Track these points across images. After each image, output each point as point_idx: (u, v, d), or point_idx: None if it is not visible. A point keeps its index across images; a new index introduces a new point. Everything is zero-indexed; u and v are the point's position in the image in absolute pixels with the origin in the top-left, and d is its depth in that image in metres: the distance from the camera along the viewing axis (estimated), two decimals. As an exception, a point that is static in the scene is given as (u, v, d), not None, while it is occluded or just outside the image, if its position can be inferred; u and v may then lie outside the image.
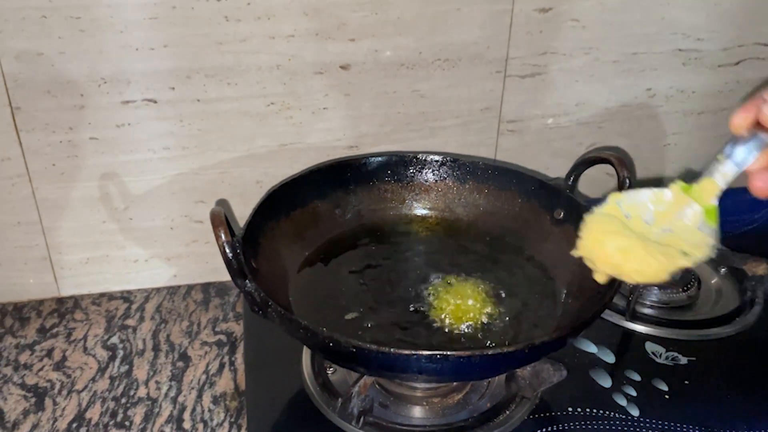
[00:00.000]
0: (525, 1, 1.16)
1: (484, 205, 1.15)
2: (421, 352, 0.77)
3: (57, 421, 1.00)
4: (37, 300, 1.22)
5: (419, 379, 0.93)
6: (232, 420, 1.00)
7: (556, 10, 1.18)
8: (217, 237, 0.85)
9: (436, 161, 1.16)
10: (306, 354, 1.04)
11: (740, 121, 0.76)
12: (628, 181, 0.98)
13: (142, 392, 1.05)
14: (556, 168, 1.31)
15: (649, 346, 1.07)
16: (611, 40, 1.23)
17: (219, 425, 0.99)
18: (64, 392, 1.05)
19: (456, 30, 1.16)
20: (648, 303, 1.15)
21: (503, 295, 1.02)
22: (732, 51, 1.30)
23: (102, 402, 1.03)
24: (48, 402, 1.03)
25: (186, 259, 1.24)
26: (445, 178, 1.16)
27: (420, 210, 1.17)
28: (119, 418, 1.00)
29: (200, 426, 0.99)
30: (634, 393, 0.99)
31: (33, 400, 1.03)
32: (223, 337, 1.15)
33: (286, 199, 1.06)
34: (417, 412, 0.96)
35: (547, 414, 0.95)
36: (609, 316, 1.12)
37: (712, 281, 1.22)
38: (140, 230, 1.20)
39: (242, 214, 1.19)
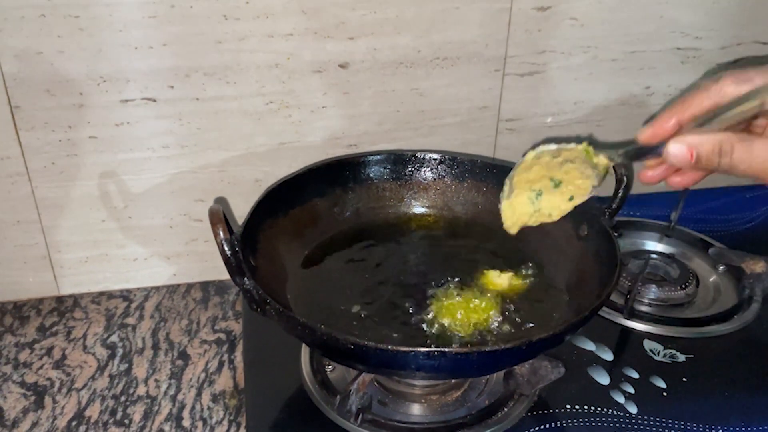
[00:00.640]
0: (523, 0, 1.16)
1: (483, 203, 1.15)
2: (419, 349, 0.77)
3: (56, 419, 1.00)
4: (37, 299, 1.22)
5: (417, 376, 0.93)
6: (231, 418, 1.00)
7: (555, 8, 1.18)
8: (216, 235, 0.85)
9: (435, 159, 1.16)
10: (305, 352, 1.04)
11: (646, 136, 0.85)
12: (625, 178, 0.98)
13: (141, 390, 1.05)
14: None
15: (647, 344, 1.07)
16: (610, 38, 1.23)
17: (218, 423, 0.99)
18: (64, 390, 1.05)
19: (455, 28, 1.16)
20: (646, 301, 1.15)
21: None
22: (730, 49, 1.30)
23: (101, 400, 1.03)
24: (48, 400, 1.03)
25: (185, 257, 1.24)
26: (444, 177, 1.16)
27: (418, 208, 1.17)
28: (119, 416, 1.01)
29: (199, 424, 0.99)
30: (632, 390, 0.99)
31: (33, 398, 1.03)
32: (222, 336, 1.15)
33: (285, 198, 1.07)
34: (415, 410, 0.96)
35: (545, 411, 0.96)
36: (607, 313, 1.12)
37: (711, 279, 1.22)
38: (140, 229, 1.20)
39: (241, 212, 1.18)
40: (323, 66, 1.14)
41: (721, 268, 1.22)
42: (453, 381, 0.98)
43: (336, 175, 1.13)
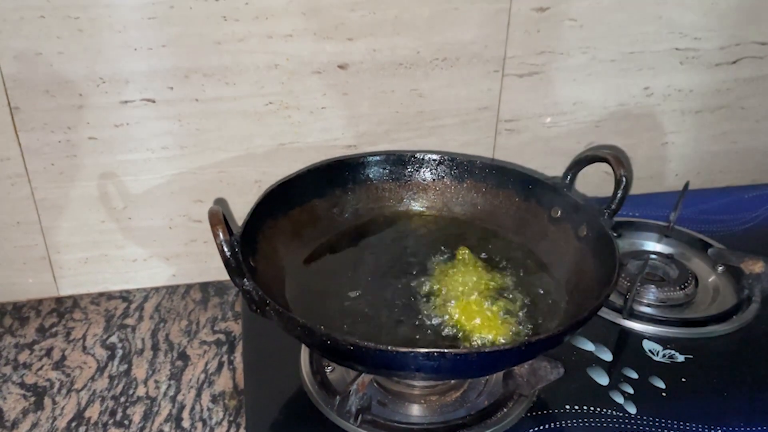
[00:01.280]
0: (522, 1, 1.17)
1: (482, 203, 1.15)
2: (418, 350, 0.77)
3: (56, 420, 1.00)
4: (36, 299, 1.22)
5: (417, 377, 0.93)
6: (231, 419, 1.00)
7: (554, 9, 1.19)
8: (215, 235, 0.85)
9: (434, 160, 1.16)
10: (304, 352, 1.04)
11: None
12: (624, 179, 0.98)
13: (141, 391, 1.05)
14: (553, 167, 1.31)
15: (647, 344, 1.07)
16: (609, 39, 1.24)
17: (218, 424, 1.00)
18: (64, 391, 1.05)
19: (454, 29, 1.16)
20: (645, 301, 1.15)
21: (502, 293, 1.02)
22: (729, 50, 1.30)
23: (101, 401, 1.03)
24: (47, 401, 1.03)
25: (185, 258, 1.25)
26: (443, 177, 1.16)
27: (418, 209, 1.17)
28: (118, 416, 1.01)
29: (199, 425, 0.99)
30: (631, 391, 0.99)
31: (32, 399, 1.03)
32: (221, 336, 1.15)
33: (284, 198, 1.07)
34: (415, 410, 0.96)
35: (545, 412, 0.96)
36: (606, 314, 1.12)
37: (710, 279, 1.22)
38: (139, 230, 1.20)
39: (241, 213, 1.19)
40: (322, 67, 1.14)
41: (720, 268, 1.22)
42: (453, 382, 0.98)
43: (335, 175, 1.13)
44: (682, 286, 1.15)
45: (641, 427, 0.93)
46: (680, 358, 1.05)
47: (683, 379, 1.01)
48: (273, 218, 1.04)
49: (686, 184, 1.29)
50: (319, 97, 1.17)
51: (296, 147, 1.19)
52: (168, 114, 1.12)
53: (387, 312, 0.99)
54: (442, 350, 0.77)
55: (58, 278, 1.22)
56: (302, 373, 1.01)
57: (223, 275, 0.90)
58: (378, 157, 1.16)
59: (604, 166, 1.04)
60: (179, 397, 1.04)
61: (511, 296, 1.00)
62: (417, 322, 0.97)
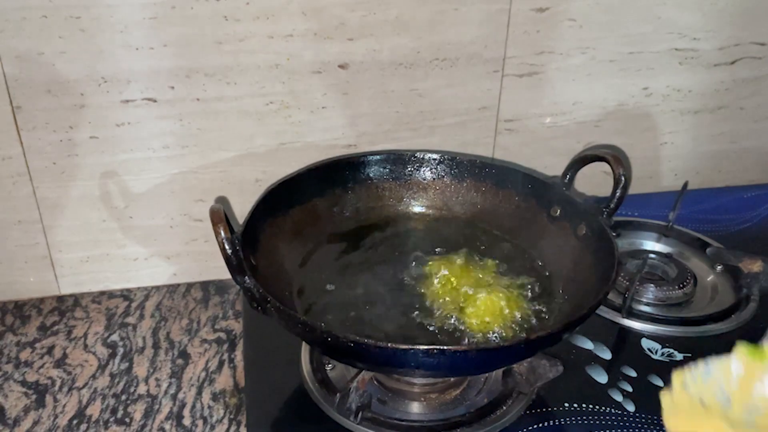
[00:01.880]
0: (522, 1, 1.17)
1: (482, 203, 1.15)
2: (417, 347, 0.78)
3: (57, 417, 1.01)
4: (38, 298, 1.23)
5: (417, 374, 0.93)
6: (232, 417, 1.00)
7: (553, 9, 1.19)
8: (217, 234, 0.85)
9: (434, 159, 1.16)
10: (305, 350, 1.04)
11: None
12: (623, 178, 0.99)
13: (142, 389, 1.05)
14: (553, 166, 1.31)
15: (645, 343, 1.08)
16: (608, 39, 1.24)
17: (218, 422, 1.00)
18: (65, 389, 1.05)
19: (454, 29, 1.16)
20: (644, 300, 1.15)
21: (501, 291, 1.02)
22: (728, 50, 1.31)
23: (102, 399, 1.04)
24: (49, 399, 1.04)
25: (186, 257, 1.25)
26: (443, 176, 1.17)
27: (418, 208, 1.17)
28: (119, 414, 1.01)
29: (200, 422, 1.00)
30: (629, 389, 0.99)
31: (34, 397, 1.04)
32: (222, 335, 1.15)
33: (285, 197, 1.07)
34: (415, 408, 0.97)
35: (544, 409, 0.96)
36: (605, 313, 1.12)
37: (708, 279, 1.22)
38: (140, 229, 1.21)
39: (242, 212, 1.20)
40: (323, 67, 1.15)
41: (719, 267, 1.22)
42: (452, 379, 0.99)
43: (336, 174, 1.14)
44: (681, 285, 1.16)
45: (640, 425, 0.94)
46: (679, 356, 1.05)
47: (681, 378, 1.01)
48: (273, 217, 1.04)
49: (685, 184, 1.29)
50: (319, 96, 1.17)
51: (297, 146, 1.20)
52: (169, 113, 1.13)
53: (388, 310, 1.00)
54: (441, 347, 0.77)
55: (59, 277, 1.22)
56: (303, 370, 1.02)
57: (224, 274, 0.91)
58: (378, 157, 1.16)
59: (603, 166, 1.04)
60: (180, 395, 1.04)
61: (510, 294, 1.01)
62: (418, 320, 0.98)
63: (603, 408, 0.96)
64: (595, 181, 1.28)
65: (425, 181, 1.17)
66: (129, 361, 1.10)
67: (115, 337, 1.15)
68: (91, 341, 1.14)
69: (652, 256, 1.23)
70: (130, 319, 1.19)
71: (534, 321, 0.98)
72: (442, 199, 1.17)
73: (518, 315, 0.98)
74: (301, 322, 0.82)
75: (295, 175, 1.09)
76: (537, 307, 1.00)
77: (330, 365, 1.02)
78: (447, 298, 1.01)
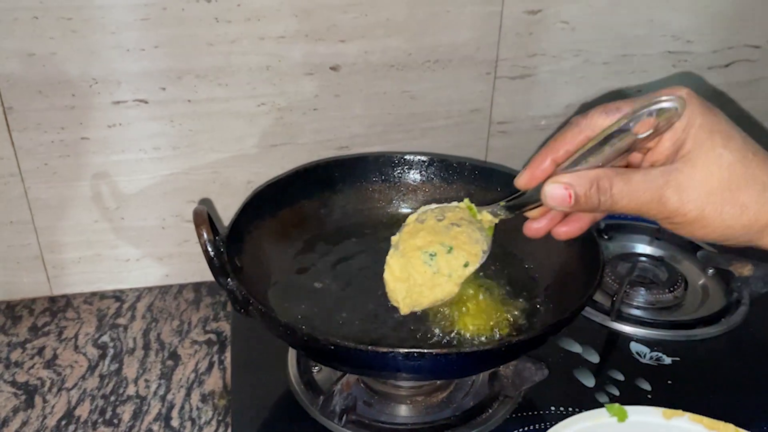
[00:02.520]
0: (514, 3, 1.17)
1: (471, 205, 1.15)
2: (398, 350, 0.77)
3: (46, 418, 1.01)
4: (30, 299, 1.23)
5: (399, 377, 0.93)
6: (220, 418, 1.01)
7: (546, 12, 1.19)
8: (199, 235, 0.86)
9: (423, 162, 1.16)
10: (292, 353, 1.04)
11: (523, 182, 0.81)
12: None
13: (131, 390, 1.06)
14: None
15: (634, 346, 1.07)
16: (601, 42, 1.24)
17: (207, 423, 1.00)
18: (54, 390, 1.05)
19: (446, 32, 1.16)
20: (635, 303, 1.15)
21: (487, 293, 1.02)
22: (722, 53, 1.30)
23: (91, 400, 1.04)
24: (38, 399, 1.04)
25: (178, 258, 1.25)
26: (433, 179, 1.16)
27: (407, 210, 1.16)
28: (108, 415, 1.01)
29: (188, 424, 1.00)
30: (617, 392, 0.99)
31: (23, 397, 1.04)
32: (213, 336, 1.16)
33: (273, 199, 1.07)
34: (401, 411, 0.97)
35: (530, 413, 0.96)
36: (594, 316, 1.12)
37: (700, 282, 1.22)
38: (132, 230, 1.21)
39: (233, 213, 1.19)
40: (315, 68, 1.15)
41: (710, 271, 1.22)
42: (438, 382, 0.98)
43: (324, 176, 1.14)
44: (671, 289, 1.16)
45: (626, 429, 0.94)
46: (667, 360, 1.05)
47: (669, 381, 1.01)
48: (261, 219, 1.04)
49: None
50: (311, 98, 1.17)
51: (289, 148, 1.20)
52: (160, 115, 1.13)
53: (375, 313, 0.99)
54: (421, 350, 0.77)
55: (51, 278, 1.22)
56: (289, 373, 1.02)
57: (216, 275, 0.91)
58: (367, 158, 1.16)
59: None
60: (169, 397, 1.04)
61: (496, 296, 1.00)
62: (405, 323, 0.97)
63: (589, 412, 0.96)
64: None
65: (414, 184, 1.17)
66: (119, 362, 1.11)
67: (105, 338, 1.15)
68: (81, 342, 1.14)
69: (643, 259, 1.22)
70: (122, 320, 1.19)
71: (520, 323, 0.97)
72: (431, 200, 1.16)
73: (505, 318, 0.97)
74: (282, 325, 0.82)
75: (283, 177, 1.09)
76: (523, 310, 0.99)
77: (317, 368, 1.02)
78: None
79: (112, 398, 1.04)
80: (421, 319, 0.97)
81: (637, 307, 1.15)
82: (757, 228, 0.73)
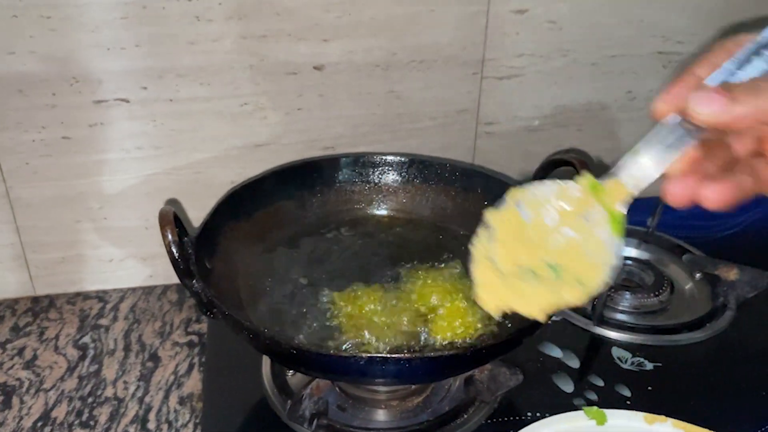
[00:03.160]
0: (500, 3, 1.16)
1: (451, 207, 1.14)
2: (361, 355, 0.77)
3: (23, 419, 1.00)
4: (13, 299, 1.23)
5: (365, 381, 0.92)
6: (197, 421, 1.00)
7: (532, 11, 1.18)
8: (164, 236, 0.85)
9: (403, 162, 1.15)
10: (266, 356, 1.03)
11: (664, 106, 0.66)
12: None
13: (109, 392, 1.05)
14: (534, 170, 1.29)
15: (616, 351, 1.06)
16: (589, 42, 1.22)
17: (183, 426, 0.99)
18: (32, 391, 1.05)
19: (430, 31, 1.15)
20: (619, 308, 1.13)
21: (468, 296, 1.01)
22: (713, 54, 1.28)
23: (69, 401, 1.03)
24: (15, 400, 1.03)
25: (161, 259, 1.22)
26: (413, 180, 1.16)
27: (386, 211, 1.16)
28: (84, 417, 1.01)
29: (164, 426, 0.99)
30: (595, 398, 0.98)
31: (0, 398, 1.04)
32: (194, 338, 1.15)
33: (248, 200, 1.06)
34: (376, 415, 0.96)
35: (505, 418, 0.95)
36: (576, 320, 1.11)
37: (687, 286, 1.20)
38: (115, 230, 1.20)
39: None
40: (298, 68, 1.14)
41: (698, 275, 1.20)
42: (413, 387, 0.97)
43: (302, 177, 1.13)
44: (657, 293, 1.14)
45: (602, 435, 0.92)
46: (649, 365, 1.03)
47: (649, 388, 1.00)
48: (235, 220, 1.04)
49: (668, 189, 1.26)
50: (294, 98, 1.16)
51: (272, 148, 1.19)
52: (142, 114, 1.12)
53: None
54: (384, 355, 0.77)
55: (34, 278, 1.22)
56: (263, 376, 1.01)
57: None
58: (346, 159, 1.16)
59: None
60: (147, 399, 1.04)
61: (470, 299, 0.99)
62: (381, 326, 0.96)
63: (566, 417, 0.95)
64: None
65: (395, 185, 1.16)
66: (98, 364, 1.10)
67: (86, 339, 1.15)
68: (62, 343, 1.14)
69: (629, 262, 1.21)
70: (104, 321, 1.18)
71: (492, 327, 0.96)
72: (412, 202, 1.16)
73: (477, 321, 0.96)
74: (246, 328, 0.81)
75: (259, 177, 1.09)
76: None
77: (290, 371, 1.01)
78: (416, 306, 0.99)
79: (90, 400, 1.04)
80: (394, 323, 0.96)
81: (622, 312, 1.13)
82: None
